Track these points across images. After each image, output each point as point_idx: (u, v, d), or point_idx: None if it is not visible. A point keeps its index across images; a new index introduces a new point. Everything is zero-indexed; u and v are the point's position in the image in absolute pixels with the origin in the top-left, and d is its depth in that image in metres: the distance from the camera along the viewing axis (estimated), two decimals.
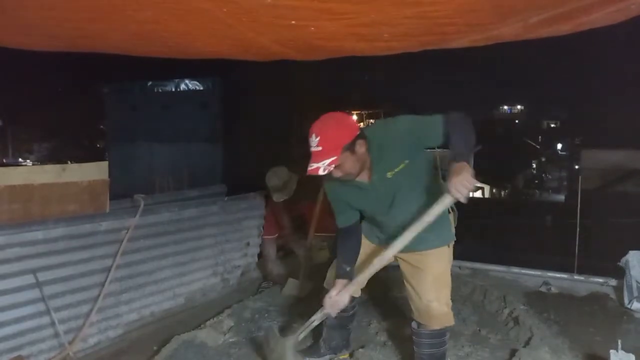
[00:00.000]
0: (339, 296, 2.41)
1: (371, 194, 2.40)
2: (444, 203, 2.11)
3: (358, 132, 2.23)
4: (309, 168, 2.18)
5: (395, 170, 2.30)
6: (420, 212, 2.23)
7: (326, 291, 2.54)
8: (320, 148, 2.17)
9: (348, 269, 2.50)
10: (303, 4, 2.20)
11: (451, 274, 2.57)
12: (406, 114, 2.34)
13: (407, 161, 2.29)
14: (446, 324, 2.50)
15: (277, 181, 4.18)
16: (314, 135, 2.19)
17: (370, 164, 2.32)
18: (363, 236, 2.66)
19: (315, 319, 2.52)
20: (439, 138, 2.20)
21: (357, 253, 2.59)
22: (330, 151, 2.15)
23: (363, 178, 2.38)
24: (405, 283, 2.58)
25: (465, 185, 1.98)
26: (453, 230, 2.53)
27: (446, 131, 2.16)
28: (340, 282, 2.47)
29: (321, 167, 2.15)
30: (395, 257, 2.55)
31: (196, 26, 2.58)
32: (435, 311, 2.44)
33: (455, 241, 2.58)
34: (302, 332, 2.58)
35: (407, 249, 2.39)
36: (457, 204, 2.26)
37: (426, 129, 2.23)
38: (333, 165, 2.16)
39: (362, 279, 2.44)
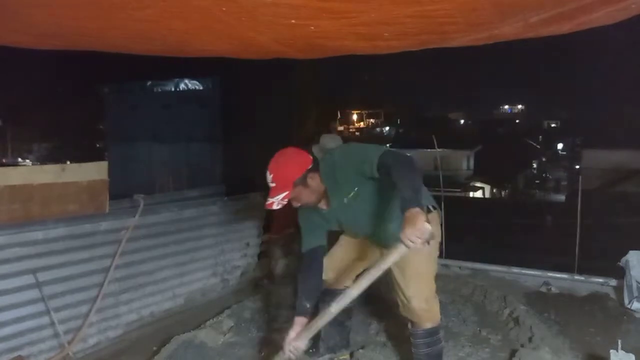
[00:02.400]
0: (298, 340, 2.33)
1: (333, 217, 2.52)
2: (399, 253, 2.08)
3: (309, 166, 2.36)
4: (266, 203, 2.33)
5: (349, 196, 2.40)
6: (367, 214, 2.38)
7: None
8: (274, 184, 2.32)
9: (308, 305, 2.49)
10: (303, 2, 2.20)
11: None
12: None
13: (356, 189, 2.38)
14: (429, 321, 2.53)
15: (334, 146, 3.91)
16: (268, 173, 2.35)
17: (327, 192, 2.44)
18: (345, 236, 2.76)
19: None
20: (373, 172, 2.23)
21: (319, 289, 2.60)
22: (282, 187, 2.30)
23: (323, 206, 2.51)
24: (391, 280, 2.61)
25: (419, 236, 1.96)
26: (433, 228, 2.52)
27: (382, 170, 2.19)
28: (299, 322, 2.42)
29: (275, 202, 2.30)
30: (381, 254, 2.56)
31: (196, 25, 2.57)
32: (415, 307, 2.49)
33: (440, 241, 2.64)
34: None
35: (387, 247, 2.40)
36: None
37: (361, 162, 2.28)
38: (286, 200, 2.30)
39: (318, 324, 2.33)
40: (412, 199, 2.03)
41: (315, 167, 2.38)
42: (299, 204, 2.42)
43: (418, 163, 2.25)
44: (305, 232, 2.61)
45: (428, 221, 1.99)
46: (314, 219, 2.57)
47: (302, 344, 2.34)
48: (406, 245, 2.00)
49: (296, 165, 2.35)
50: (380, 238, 2.56)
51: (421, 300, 2.48)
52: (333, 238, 2.78)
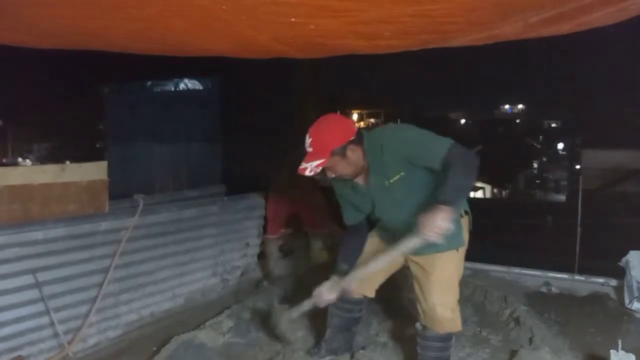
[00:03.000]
0: (328, 292, 2.41)
1: (368, 197, 2.42)
2: (413, 242, 2.12)
3: (352, 137, 2.26)
4: (300, 167, 2.25)
5: (391, 180, 2.31)
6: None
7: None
8: (311, 149, 2.25)
9: (345, 267, 2.50)
10: (303, 1, 2.20)
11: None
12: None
13: (402, 173, 2.29)
14: (451, 330, 2.47)
15: None
16: (307, 136, 2.27)
17: (368, 169, 2.34)
18: (375, 234, 2.67)
19: (305, 306, 2.53)
20: (436, 166, 2.16)
21: (358, 255, 2.58)
22: (319, 154, 2.22)
23: (360, 181, 2.41)
24: (414, 284, 2.56)
25: (437, 231, 1.98)
26: (464, 234, 2.47)
27: (445, 164, 2.12)
28: (334, 279, 2.48)
29: (309, 168, 2.23)
30: (406, 259, 2.54)
31: (195, 24, 2.57)
32: (439, 315, 2.42)
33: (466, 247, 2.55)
34: (295, 312, 2.63)
35: (416, 252, 2.41)
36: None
37: (425, 152, 2.20)
38: (320, 168, 2.23)
39: (355, 276, 2.41)
40: (451, 197, 2.01)
41: (358, 140, 2.28)
42: (333, 175, 2.33)
43: (477, 166, 2.16)
44: (345, 208, 2.57)
45: (451, 221, 1.98)
46: (347, 197, 2.49)
47: (332, 295, 2.40)
48: (422, 236, 2.01)
49: (338, 133, 2.25)
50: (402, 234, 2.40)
51: (447, 309, 2.42)
52: None
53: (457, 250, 2.44)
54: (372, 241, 2.67)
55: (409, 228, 2.25)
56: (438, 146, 2.15)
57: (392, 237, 2.44)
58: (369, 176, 2.36)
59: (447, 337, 2.50)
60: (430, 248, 2.35)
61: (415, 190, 2.32)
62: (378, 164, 2.29)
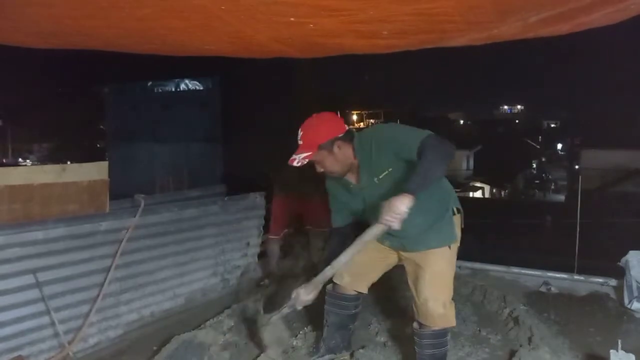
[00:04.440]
0: (305, 293, 2.41)
1: (360, 195, 2.48)
2: (376, 229, 2.20)
3: (340, 134, 2.36)
4: (290, 159, 2.36)
5: (380, 176, 2.37)
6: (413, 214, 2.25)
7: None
8: (301, 142, 2.37)
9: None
10: (302, 0, 2.20)
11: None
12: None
13: (390, 169, 2.34)
14: (444, 325, 2.50)
15: None
16: (299, 130, 2.40)
17: (358, 166, 2.41)
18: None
19: (285, 309, 2.54)
20: (414, 157, 2.22)
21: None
22: (307, 147, 2.34)
23: (351, 179, 2.47)
24: (409, 281, 2.60)
25: (394, 216, 2.08)
26: (456, 231, 2.51)
27: (419, 153, 2.18)
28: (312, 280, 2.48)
29: (297, 159, 2.34)
30: (400, 257, 2.60)
31: (194, 24, 2.58)
32: (431, 310, 2.46)
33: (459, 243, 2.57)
34: (274, 316, 2.63)
35: (409, 249, 2.49)
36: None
37: (403, 144, 2.27)
38: (307, 160, 2.34)
39: (325, 272, 2.41)
40: (413, 188, 2.10)
41: (347, 138, 2.37)
42: (322, 170, 2.43)
43: (451, 155, 2.23)
44: (335, 210, 2.65)
45: (409, 206, 2.06)
46: (340, 198, 2.56)
47: (310, 297, 2.40)
48: (382, 224, 2.12)
49: (326, 129, 2.36)
50: (401, 230, 2.37)
51: (439, 304, 2.45)
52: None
53: (450, 247, 2.48)
54: (366, 247, 2.67)
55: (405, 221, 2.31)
56: (415, 137, 2.22)
57: (386, 235, 2.47)
58: (360, 174, 2.43)
59: (442, 334, 2.53)
60: (420, 244, 2.44)
61: (402, 186, 2.35)
62: (368, 162, 2.37)
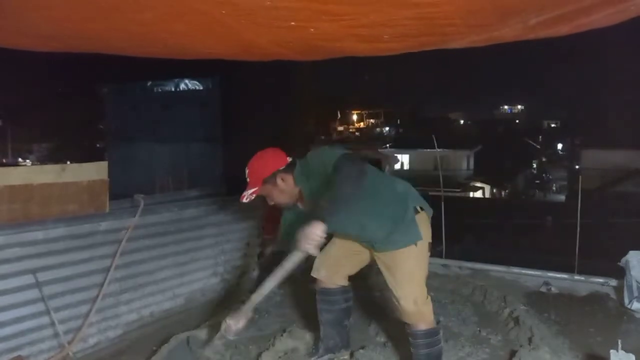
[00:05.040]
0: (235, 322, 2.43)
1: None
2: (295, 258, 2.27)
3: (281, 167, 2.49)
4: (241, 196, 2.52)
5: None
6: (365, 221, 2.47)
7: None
8: (248, 179, 2.52)
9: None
10: (302, 5, 2.20)
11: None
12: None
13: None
14: (421, 322, 2.54)
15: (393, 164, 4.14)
16: (246, 169, 2.54)
17: (302, 194, 2.53)
18: (338, 236, 2.78)
19: (215, 339, 2.63)
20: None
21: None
22: (253, 183, 2.49)
23: (301, 206, 2.59)
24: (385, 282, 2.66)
25: (310, 242, 2.15)
26: (420, 230, 2.53)
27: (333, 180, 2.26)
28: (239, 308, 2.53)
29: (245, 195, 2.50)
30: (372, 255, 2.67)
31: (195, 27, 2.58)
32: (403, 308, 2.51)
33: (431, 242, 2.62)
34: (206, 348, 2.75)
35: (377, 249, 2.58)
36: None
37: (325, 166, 2.34)
38: (254, 195, 2.49)
39: (248, 306, 2.45)
40: (322, 215, 2.18)
41: (288, 169, 2.50)
42: (272, 202, 2.57)
43: (362, 174, 2.30)
44: (283, 235, 2.77)
45: (323, 230, 2.13)
46: (293, 223, 2.62)
47: (239, 325, 2.44)
48: (300, 250, 2.19)
49: (268, 164, 2.51)
50: (361, 238, 2.62)
51: (409, 301, 2.50)
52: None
53: (416, 244, 2.51)
54: (339, 239, 2.77)
55: (357, 232, 2.54)
56: (331, 158, 2.31)
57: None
58: (305, 200, 2.54)
59: (433, 332, 2.58)
60: (388, 245, 2.51)
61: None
62: (308, 187, 2.48)
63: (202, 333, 3.13)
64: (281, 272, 2.32)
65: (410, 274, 2.53)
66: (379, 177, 2.61)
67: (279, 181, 2.49)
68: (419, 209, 2.55)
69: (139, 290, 3.52)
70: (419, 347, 2.57)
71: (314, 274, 2.82)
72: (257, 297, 2.41)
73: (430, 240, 2.61)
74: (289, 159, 2.53)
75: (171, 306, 3.75)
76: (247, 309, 2.43)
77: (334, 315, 2.87)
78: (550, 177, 36.60)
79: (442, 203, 4.74)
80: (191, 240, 3.87)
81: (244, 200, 2.50)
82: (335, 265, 2.81)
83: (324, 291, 2.85)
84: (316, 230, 2.14)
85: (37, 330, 2.95)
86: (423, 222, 2.56)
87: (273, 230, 4.54)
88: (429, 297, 2.58)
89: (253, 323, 2.95)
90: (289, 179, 2.50)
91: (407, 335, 2.61)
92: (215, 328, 3.24)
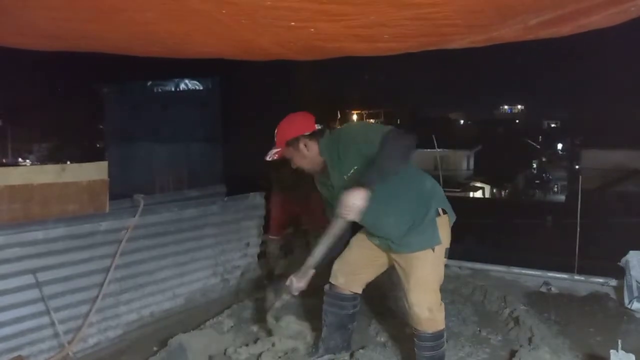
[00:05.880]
0: (297, 280, 2.54)
1: (334, 192, 2.53)
2: (337, 224, 2.34)
3: (306, 132, 2.49)
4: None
5: (349, 174, 2.41)
6: (384, 213, 2.45)
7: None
8: (275, 139, 2.55)
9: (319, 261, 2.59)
10: (302, 5, 2.21)
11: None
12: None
13: (356, 167, 2.38)
14: (430, 329, 2.51)
15: None
16: (275, 129, 2.56)
17: (326, 165, 2.51)
18: (364, 236, 2.73)
19: (283, 296, 2.74)
20: (375, 151, 2.27)
21: (335, 252, 2.69)
22: (278, 143, 2.53)
23: (326, 177, 2.56)
24: (399, 285, 2.66)
25: (349, 209, 2.17)
26: (439, 234, 2.49)
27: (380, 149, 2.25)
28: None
29: (269, 154, 2.54)
30: (390, 259, 2.64)
31: (196, 27, 2.58)
32: (416, 314, 2.48)
33: (448, 246, 2.57)
34: (276, 304, 2.84)
35: (394, 251, 2.54)
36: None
37: (365, 141, 2.33)
38: (276, 155, 2.53)
39: (309, 261, 2.52)
40: (367, 182, 2.18)
41: (314, 136, 2.49)
42: (295, 166, 2.59)
43: (410, 149, 2.28)
44: (325, 204, 2.73)
45: (365, 198, 2.14)
46: (325, 193, 2.66)
47: (302, 283, 2.54)
48: (340, 217, 2.24)
49: (294, 127, 2.51)
50: (377, 231, 2.57)
51: (423, 309, 2.46)
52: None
53: (433, 249, 2.48)
54: (357, 245, 2.76)
55: (375, 221, 2.50)
56: (377, 133, 2.29)
57: (373, 235, 2.61)
58: (330, 172, 2.52)
59: (439, 335, 2.55)
60: (406, 247, 2.47)
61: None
62: (336, 160, 2.45)
63: (202, 333, 3.12)
64: (327, 238, 2.39)
65: (425, 281, 2.49)
66: (411, 168, 2.54)
67: (301, 146, 2.49)
68: (441, 211, 2.50)
69: (139, 290, 3.52)
70: (424, 350, 2.54)
71: (332, 280, 2.78)
72: (312, 260, 2.49)
73: (449, 246, 2.56)
74: (318, 127, 2.52)
75: (171, 306, 3.74)
76: (304, 270, 2.52)
77: (339, 319, 2.84)
78: (550, 177, 36.59)
79: None
80: (191, 240, 3.86)
81: (267, 158, 2.54)
82: (353, 273, 2.75)
83: (334, 295, 2.80)
84: (357, 197, 2.15)
85: (37, 330, 2.95)
86: (443, 226, 2.51)
87: (280, 230, 4.54)
88: (443, 304, 2.55)
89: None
90: (313, 146, 2.49)
91: (407, 335, 2.61)
92: (216, 328, 3.25)
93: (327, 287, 2.83)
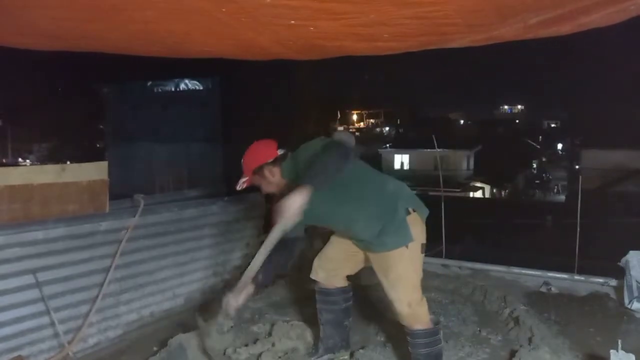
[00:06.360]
0: (234, 299, 2.50)
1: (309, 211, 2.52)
2: (277, 228, 2.31)
3: (269, 160, 2.58)
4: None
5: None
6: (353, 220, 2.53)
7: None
8: (243, 168, 2.64)
9: (260, 278, 2.58)
10: (302, 3, 2.20)
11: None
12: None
13: None
14: (415, 324, 2.54)
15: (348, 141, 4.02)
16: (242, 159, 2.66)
17: (291, 186, 2.52)
18: (335, 236, 2.83)
19: (220, 317, 2.66)
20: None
21: (277, 271, 2.71)
22: (245, 173, 2.63)
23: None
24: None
25: (288, 212, 2.21)
26: (411, 232, 2.52)
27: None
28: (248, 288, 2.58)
29: (239, 183, 2.64)
30: (367, 257, 2.68)
31: (196, 26, 2.58)
32: (397, 310, 2.53)
33: (424, 242, 2.60)
34: (216, 327, 2.76)
35: (371, 250, 2.60)
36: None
37: (312, 157, 2.39)
38: (246, 185, 2.64)
39: (242, 281, 2.49)
40: (305, 179, 2.25)
41: (276, 162, 2.59)
42: (264, 192, 2.71)
43: (346, 153, 2.37)
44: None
45: (304, 198, 2.19)
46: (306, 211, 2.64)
47: (238, 301, 2.51)
48: (281, 220, 2.25)
49: (257, 157, 2.62)
50: (351, 236, 2.66)
51: (403, 304, 2.51)
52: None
53: (407, 246, 2.51)
54: (337, 241, 2.81)
55: (343, 228, 2.63)
56: (318, 147, 2.40)
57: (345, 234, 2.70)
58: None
59: (432, 332, 2.58)
60: (380, 247, 2.52)
61: (330, 197, 2.47)
62: (296, 180, 2.47)
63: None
64: (265, 247, 2.38)
65: (402, 277, 2.53)
66: (370, 173, 2.65)
67: (266, 173, 2.58)
68: (410, 210, 2.54)
69: (139, 290, 3.52)
70: (417, 347, 2.57)
71: (312, 275, 2.85)
72: (249, 272, 2.44)
73: (424, 242, 2.60)
74: (280, 152, 2.60)
75: (171, 306, 3.75)
76: (241, 286, 2.48)
77: (334, 316, 2.88)
78: (550, 177, 36.57)
79: (442, 203, 4.74)
80: (191, 240, 3.87)
81: (237, 188, 2.64)
82: (333, 268, 2.83)
83: (323, 292, 2.87)
84: (294, 201, 2.21)
85: (37, 330, 2.95)
86: (415, 224, 2.55)
87: None
88: (424, 299, 2.58)
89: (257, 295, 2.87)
90: (277, 171, 2.59)
91: (405, 335, 2.61)
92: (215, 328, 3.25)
93: (315, 286, 2.89)
